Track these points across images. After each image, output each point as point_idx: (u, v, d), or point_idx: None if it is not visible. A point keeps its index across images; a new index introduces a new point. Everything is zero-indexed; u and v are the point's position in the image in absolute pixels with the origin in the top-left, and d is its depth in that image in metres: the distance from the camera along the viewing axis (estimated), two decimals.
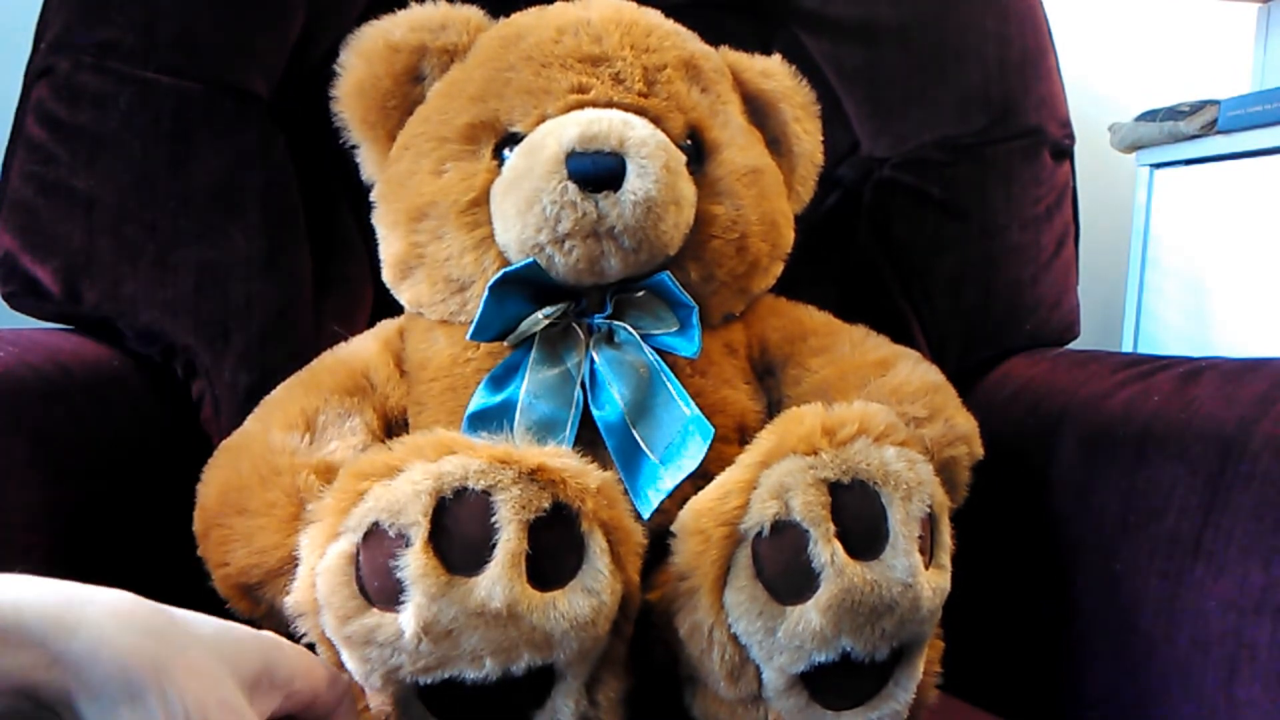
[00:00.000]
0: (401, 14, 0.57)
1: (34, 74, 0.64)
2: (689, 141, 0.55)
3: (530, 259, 0.50)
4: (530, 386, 0.50)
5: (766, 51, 0.63)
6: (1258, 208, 0.91)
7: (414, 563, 0.36)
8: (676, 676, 0.45)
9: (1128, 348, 1.06)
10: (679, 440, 0.49)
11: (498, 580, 0.36)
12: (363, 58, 0.57)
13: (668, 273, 0.51)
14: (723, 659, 0.41)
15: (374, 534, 0.37)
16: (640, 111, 0.52)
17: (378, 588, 0.37)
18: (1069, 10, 1.11)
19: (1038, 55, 0.78)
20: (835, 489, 0.40)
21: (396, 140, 0.57)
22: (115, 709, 0.24)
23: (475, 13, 0.58)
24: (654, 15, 0.58)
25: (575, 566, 0.38)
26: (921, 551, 0.41)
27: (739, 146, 0.56)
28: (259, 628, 0.33)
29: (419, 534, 0.36)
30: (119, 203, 0.63)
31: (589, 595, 0.38)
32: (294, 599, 0.41)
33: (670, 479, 0.48)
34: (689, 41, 0.58)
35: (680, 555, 0.42)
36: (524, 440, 0.45)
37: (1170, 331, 1.01)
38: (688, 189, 0.52)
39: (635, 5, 0.58)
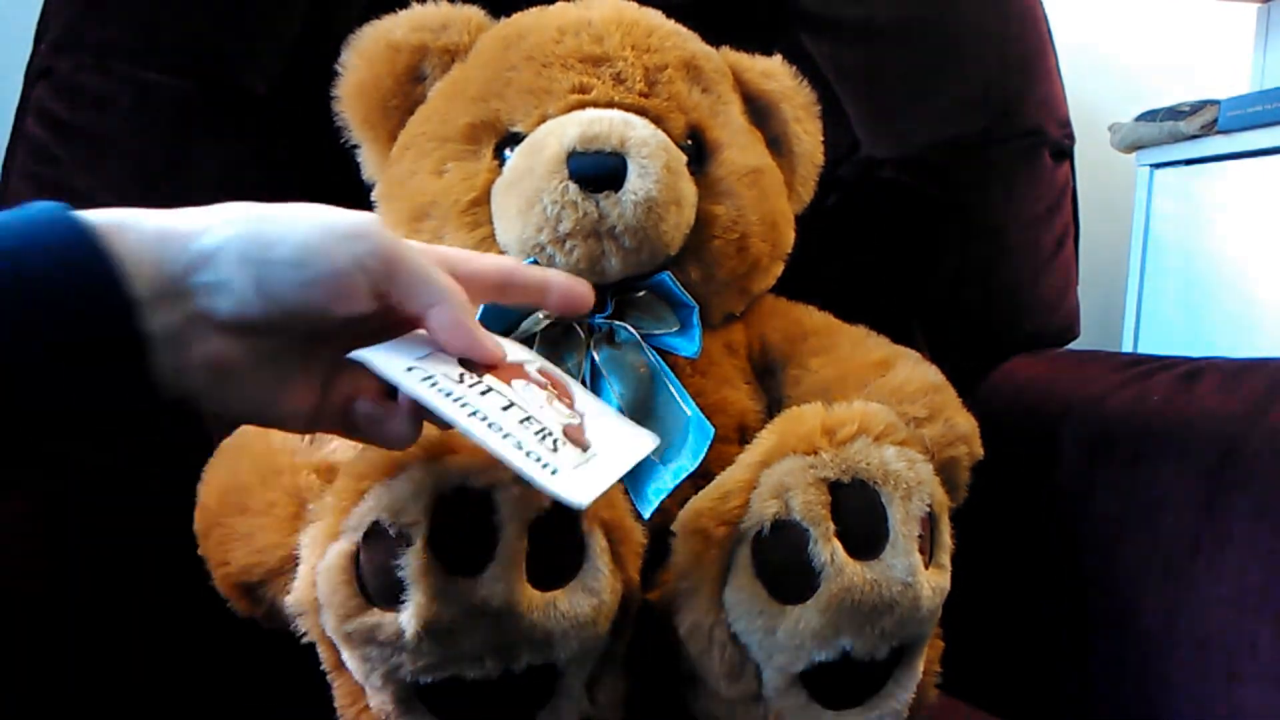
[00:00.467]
0: (402, 14, 0.57)
1: (34, 74, 0.64)
2: (690, 142, 0.55)
3: (531, 259, 0.50)
4: None
5: (767, 52, 0.63)
6: (1258, 208, 0.91)
7: (414, 562, 0.36)
8: (676, 676, 0.45)
9: (1128, 348, 1.06)
10: (679, 440, 0.49)
11: (498, 579, 0.36)
12: (364, 58, 0.57)
13: (668, 273, 0.51)
14: (722, 658, 0.41)
15: (375, 533, 0.37)
16: (641, 112, 0.52)
17: (378, 587, 0.37)
18: (1069, 10, 1.11)
19: (1038, 55, 0.79)
20: (835, 488, 0.40)
21: (397, 140, 0.57)
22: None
23: (476, 13, 0.58)
24: (655, 16, 0.58)
25: (575, 566, 0.38)
26: (921, 551, 0.41)
27: (740, 147, 0.56)
28: (259, 627, 0.33)
29: (420, 533, 0.36)
30: (119, 203, 0.62)
31: (589, 595, 0.38)
32: (294, 598, 0.41)
33: (670, 479, 0.48)
34: (690, 42, 0.58)
35: (680, 555, 0.42)
36: None
37: (1170, 331, 1.01)
38: (688, 189, 0.52)
39: (636, 6, 0.58)
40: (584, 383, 0.50)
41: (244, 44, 0.66)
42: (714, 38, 0.62)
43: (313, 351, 0.34)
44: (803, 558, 0.39)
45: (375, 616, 0.37)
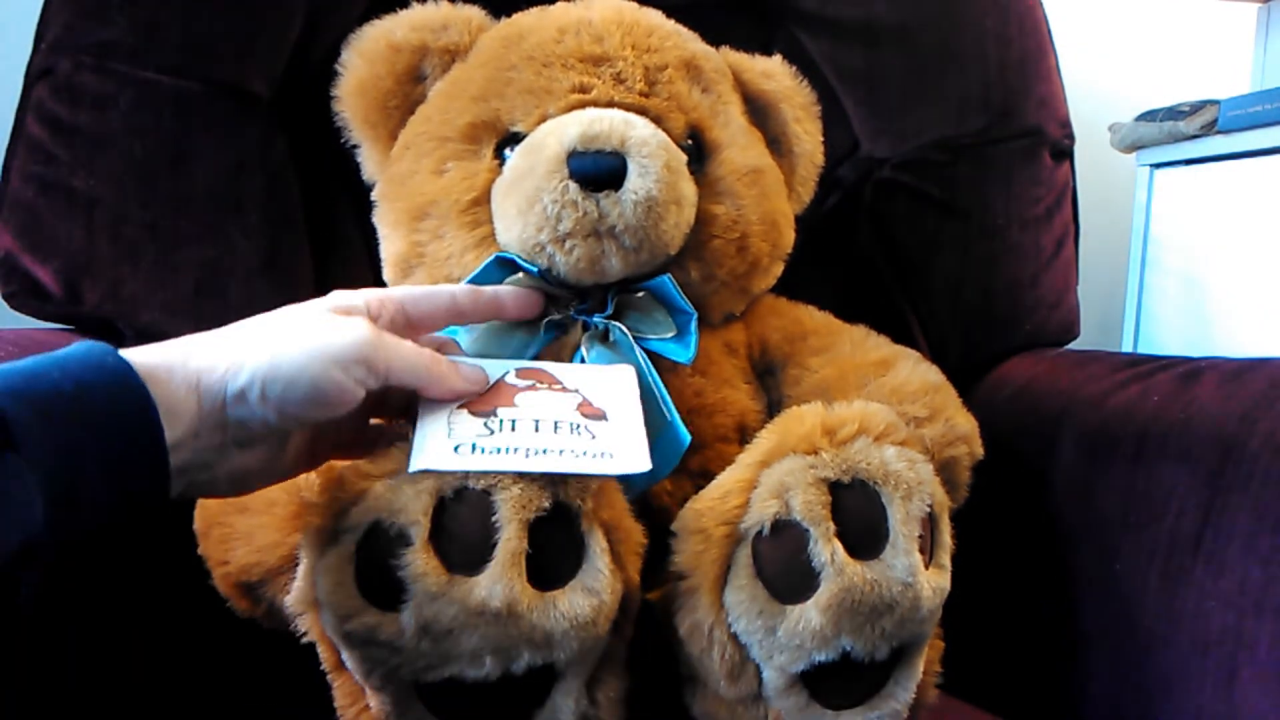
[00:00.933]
0: (403, 14, 0.58)
1: (34, 74, 0.64)
2: (690, 141, 0.55)
3: (536, 267, 0.50)
4: None
5: (767, 52, 0.63)
6: (1258, 208, 0.91)
7: (414, 562, 0.36)
8: (676, 676, 0.45)
9: (1128, 348, 1.06)
10: (655, 446, 0.49)
11: (498, 579, 0.36)
12: (364, 57, 0.57)
13: (669, 275, 0.51)
14: (723, 658, 0.41)
15: (374, 533, 0.37)
16: (641, 111, 0.52)
17: (378, 587, 0.37)
18: (1069, 10, 1.11)
19: (1037, 55, 0.79)
20: (835, 488, 0.40)
21: (398, 140, 0.57)
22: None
23: (477, 13, 0.58)
24: (655, 15, 0.58)
25: (575, 566, 0.38)
26: (921, 551, 0.41)
27: (740, 146, 0.56)
28: (259, 626, 0.34)
29: (419, 533, 0.36)
30: (119, 203, 0.63)
31: (589, 595, 0.38)
32: (294, 598, 0.41)
33: (644, 484, 0.48)
34: (690, 42, 0.58)
35: (680, 555, 0.42)
36: None
37: (1170, 331, 1.01)
38: (689, 189, 0.52)
39: (636, 5, 0.58)
40: None
41: (244, 44, 0.66)
42: (714, 38, 0.62)
43: (316, 432, 0.40)
44: (803, 558, 0.39)
45: (375, 616, 0.37)
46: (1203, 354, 0.61)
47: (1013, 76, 0.77)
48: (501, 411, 0.41)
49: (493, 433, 0.39)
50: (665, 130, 0.52)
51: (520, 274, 0.50)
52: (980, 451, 0.54)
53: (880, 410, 0.44)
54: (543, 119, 0.52)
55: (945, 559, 0.43)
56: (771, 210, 0.57)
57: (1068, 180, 0.80)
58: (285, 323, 0.37)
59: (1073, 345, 0.79)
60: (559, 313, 0.52)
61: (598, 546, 0.39)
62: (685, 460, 0.48)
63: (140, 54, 0.63)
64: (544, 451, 0.38)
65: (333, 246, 0.69)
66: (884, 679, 0.43)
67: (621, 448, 0.40)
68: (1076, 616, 0.58)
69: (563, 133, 0.49)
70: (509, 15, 0.59)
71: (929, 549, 0.42)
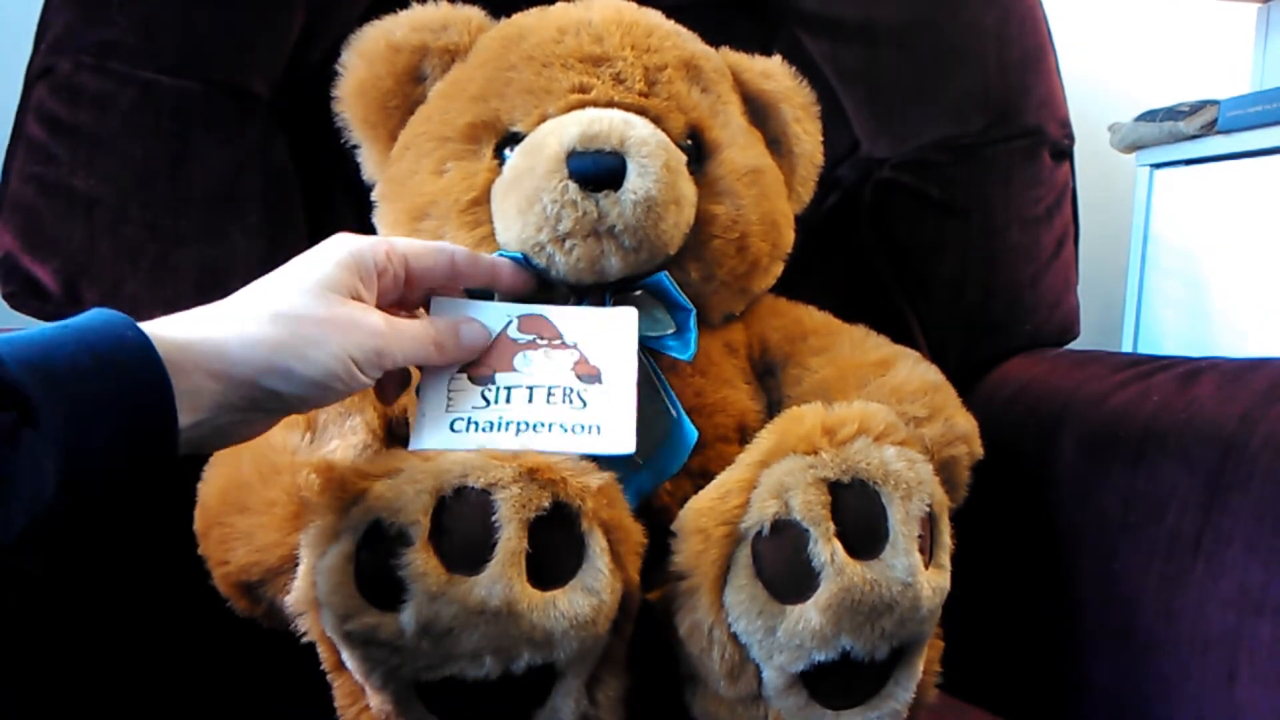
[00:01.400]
0: (403, 14, 0.58)
1: (34, 74, 0.64)
2: (689, 141, 0.55)
3: (533, 261, 0.50)
4: None
5: (767, 52, 0.63)
6: (1258, 208, 0.91)
7: (414, 561, 0.36)
8: (676, 676, 0.45)
9: (1127, 348, 1.06)
10: (662, 442, 0.49)
11: (497, 579, 0.36)
12: (364, 58, 0.57)
13: (666, 274, 0.51)
14: (723, 658, 0.41)
15: (374, 533, 0.37)
16: (641, 111, 0.52)
17: (378, 587, 0.37)
18: (1069, 10, 1.11)
19: (1037, 55, 0.79)
20: (835, 488, 0.40)
21: (397, 140, 0.57)
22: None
23: (476, 13, 0.58)
24: (655, 15, 0.58)
25: (575, 565, 0.38)
26: (921, 551, 0.41)
27: (739, 146, 0.56)
28: (259, 626, 0.34)
29: (419, 533, 0.36)
30: (119, 203, 0.63)
31: (589, 594, 0.38)
32: (294, 597, 0.41)
33: (651, 480, 0.48)
34: (689, 42, 0.58)
35: (680, 555, 0.42)
36: None
37: (1170, 331, 1.01)
38: (688, 189, 0.52)
39: (636, 5, 0.58)
40: None
41: (244, 44, 0.66)
42: (714, 38, 0.62)
43: None
44: (803, 558, 0.39)
45: (375, 616, 0.37)
46: (1203, 354, 0.61)
47: (1013, 76, 0.77)
48: (500, 378, 0.44)
49: (489, 404, 0.43)
50: (665, 130, 0.52)
51: None
52: (980, 451, 0.54)
53: (880, 410, 0.44)
54: (542, 119, 0.52)
55: (945, 559, 0.43)
56: (771, 210, 0.57)
57: (1068, 180, 0.80)
58: (306, 308, 0.38)
59: (1073, 345, 0.79)
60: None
61: (598, 546, 0.39)
62: (686, 460, 0.48)
63: (140, 54, 0.63)
64: (535, 427, 0.42)
65: None
66: (884, 679, 0.43)
67: (610, 420, 0.43)
68: (1076, 616, 0.58)
69: (562, 132, 0.49)
70: (509, 15, 0.59)
71: (929, 549, 0.42)
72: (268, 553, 0.45)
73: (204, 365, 0.34)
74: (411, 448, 0.40)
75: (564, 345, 0.46)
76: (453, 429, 0.42)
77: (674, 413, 0.49)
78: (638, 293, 0.52)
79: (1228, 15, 1.17)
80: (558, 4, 0.59)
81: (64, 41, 0.63)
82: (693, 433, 0.48)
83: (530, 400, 0.43)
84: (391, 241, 0.43)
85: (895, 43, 0.77)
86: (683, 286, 0.51)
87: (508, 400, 0.43)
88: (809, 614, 0.39)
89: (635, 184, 0.48)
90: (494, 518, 0.37)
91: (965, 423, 0.54)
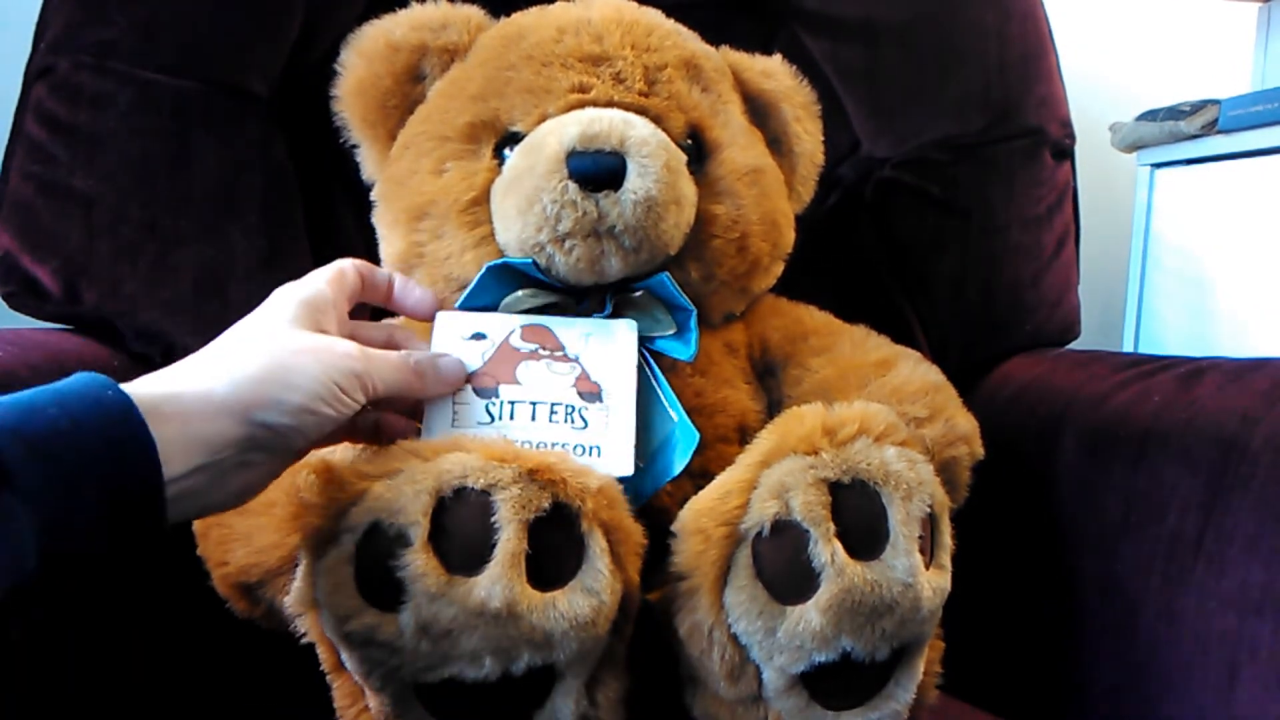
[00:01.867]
0: (402, 13, 0.57)
1: (34, 74, 0.64)
2: (690, 141, 0.55)
3: (529, 260, 0.50)
4: None
5: (767, 51, 0.63)
6: (1258, 208, 0.91)
7: (414, 562, 0.36)
8: (676, 676, 0.45)
9: (1128, 348, 1.06)
10: (664, 444, 0.49)
11: (497, 580, 0.36)
12: (363, 57, 0.57)
13: (666, 274, 0.51)
14: (723, 659, 0.41)
15: (374, 533, 0.37)
16: (641, 111, 0.52)
17: (378, 587, 0.37)
18: (1069, 10, 1.11)
19: (1038, 55, 0.78)
20: (835, 489, 0.40)
21: (397, 139, 0.57)
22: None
23: (476, 12, 0.58)
24: (655, 15, 0.58)
25: (575, 566, 0.38)
26: (922, 551, 0.41)
27: (740, 146, 0.56)
28: (258, 627, 0.34)
29: (419, 533, 0.36)
30: (119, 203, 0.63)
31: (589, 595, 0.38)
32: (294, 598, 0.41)
33: (651, 483, 0.48)
34: (690, 41, 0.58)
35: (680, 555, 0.42)
36: None
37: (1171, 331, 1.01)
38: (688, 188, 0.52)
39: (636, 5, 0.58)
40: None
41: (243, 43, 0.66)
42: (714, 37, 0.62)
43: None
44: (803, 558, 0.39)
45: (374, 617, 0.37)
46: (1204, 354, 0.61)
47: (1013, 76, 0.77)
48: (503, 391, 0.45)
49: (493, 419, 0.44)
50: (665, 130, 0.52)
51: (520, 291, 0.50)
52: (980, 452, 0.54)
53: (880, 410, 0.44)
54: (542, 118, 0.52)
55: (945, 559, 0.43)
56: (771, 210, 0.57)
57: (1068, 180, 0.80)
58: (280, 342, 0.38)
59: (1073, 345, 0.79)
60: (558, 313, 0.51)
61: (598, 547, 0.38)
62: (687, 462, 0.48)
63: (139, 54, 0.63)
64: (538, 446, 0.43)
65: (333, 246, 0.69)
66: (884, 679, 0.43)
67: (610, 441, 0.44)
68: (1077, 617, 0.58)
69: (562, 132, 0.49)
70: (508, 15, 0.59)
71: (929, 549, 0.42)
72: (267, 554, 0.45)
73: (192, 411, 0.34)
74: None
75: (565, 358, 0.46)
76: None
77: (675, 416, 0.49)
78: (638, 293, 0.52)
79: (1228, 15, 1.17)
80: (557, 3, 0.59)
81: (63, 41, 0.63)
82: (694, 436, 0.48)
83: (533, 418, 0.44)
84: (340, 281, 0.44)
85: (896, 42, 0.77)
86: (683, 286, 0.51)
87: (511, 417, 0.44)
88: (809, 615, 0.39)
89: (635, 184, 0.48)
90: (494, 518, 0.37)
91: (966, 423, 0.54)
